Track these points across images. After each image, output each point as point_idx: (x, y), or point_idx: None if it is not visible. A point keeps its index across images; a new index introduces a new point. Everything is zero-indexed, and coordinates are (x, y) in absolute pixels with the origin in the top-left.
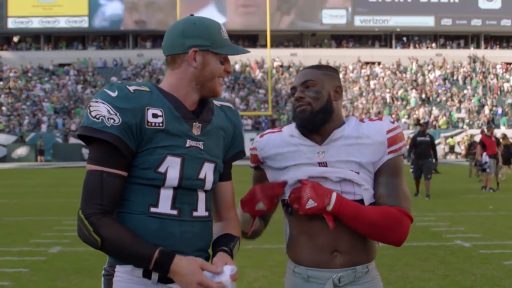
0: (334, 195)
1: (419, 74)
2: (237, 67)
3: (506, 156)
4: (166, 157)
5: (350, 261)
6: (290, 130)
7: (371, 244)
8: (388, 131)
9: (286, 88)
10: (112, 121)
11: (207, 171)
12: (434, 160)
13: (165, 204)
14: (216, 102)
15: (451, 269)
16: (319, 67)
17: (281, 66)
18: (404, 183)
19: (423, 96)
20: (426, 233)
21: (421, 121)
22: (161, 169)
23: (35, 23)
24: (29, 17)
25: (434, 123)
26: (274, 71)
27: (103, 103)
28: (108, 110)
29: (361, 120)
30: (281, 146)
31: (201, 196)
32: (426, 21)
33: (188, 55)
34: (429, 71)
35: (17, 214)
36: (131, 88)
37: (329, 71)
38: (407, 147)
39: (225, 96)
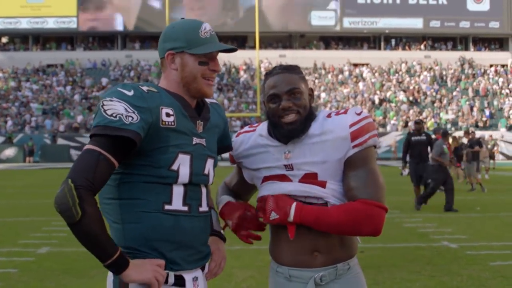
0: (293, 207)
1: (407, 76)
2: (226, 68)
3: (457, 157)
4: (178, 155)
5: (330, 260)
6: (261, 129)
7: (350, 241)
8: (352, 125)
9: None
10: (130, 118)
11: (210, 167)
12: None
13: (177, 201)
14: (206, 100)
15: (438, 270)
16: (292, 70)
17: (270, 67)
18: (374, 172)
19: (412, 98)
20: (413, 234)
21: (416, 120)
22: (174, 167)
23: (24, 24)
24: (18, 17)
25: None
26: (263, 72)
27: (119, 101)
28: (125, 108)
29: (329, 115)
30: (252, 147)
31: (204, 191)
32: (415, 23)
33: (166, 59)
34: (417, 72)
35: (6, 215)
36: (144, 88)
37: (301, 73)
38: (377, 138)
39: (214, 96)
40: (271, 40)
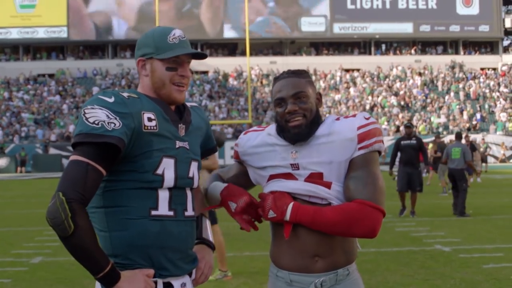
0: (290, 206)
1: (398, 81)
2: (217, 75)
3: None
4: (162, 159)
5: (331, 265)
6: (270, 129)
7: (350, 246)
8: (359, 127)
9: (266, 96)
10: (113, 125)
11: (194, 170)
12: (424, 169)
13: (163, 205)
14: (186, 104)
15: (431, 273)
16: (299, 74)
17: (261, 74)
18: (374, 175)
19: (403, 102)
20: (406, 238)
21: (406, 123)
22: (159, 171)
23: (14, 34)
24: (8, 27)
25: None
26: (254, 79)
27: (100, 108)
28: (107, 115)
29: (337, 119)
30: (259, 146)
31: (189, 195)
32: (405, 28)
33: (137, 65)
34: (408, 77)
35: None
36: (125, 94)
37: (309, 77)
38: (382, 144)
39: (206, 104)
40: (262, 47)
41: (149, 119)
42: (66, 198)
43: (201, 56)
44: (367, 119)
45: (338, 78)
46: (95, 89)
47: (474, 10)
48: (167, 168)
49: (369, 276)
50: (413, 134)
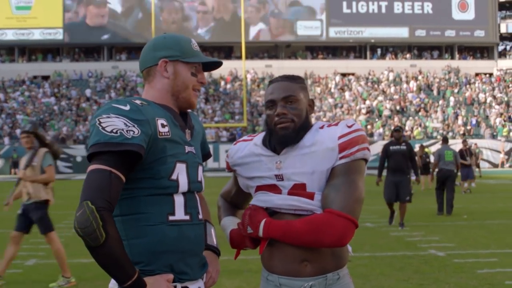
0: (262, 223)
1: (394, 85)
2: (212, 79)
3: (423, 165)
4: (176, 164)
5: (320, 269)
6: (258, 139)
7: (340, 251)
8: (340, 137)
9: (261, 99)
10: (132, 132)
11: (201, 174)
12: (414, 176)
13: (180, 210)
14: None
15: (425, 278)
16: (293, 79)
17: (256, 77)
18: (351, 184)
19: (398, 107)
20: (401, 243)
21: (395, 127)
22: (174, 176)
23: (9, 35)
24: (3, 29)
25: (409, 133)
26: (249, 83)
27: (117, 117)
28: (124, 123)
29: (321, 127)
30: (246, 156)
31: (198, 199)
32: (401, 32)
33: (159, 66)
34: (403, 81)
35: None
36: (137, 102)
37: (303, 83)
38: (368, 151)
39: (202, 107)
40: (257, 51)
41: (163, 125)
42: (96, 206)
43: (218, 65)
44: (349, 127)
45: (333, 82)
46: (88, 92)
47: (470, 15)
48: (180, 173)
49: (364, 280)
50: (403, 139)
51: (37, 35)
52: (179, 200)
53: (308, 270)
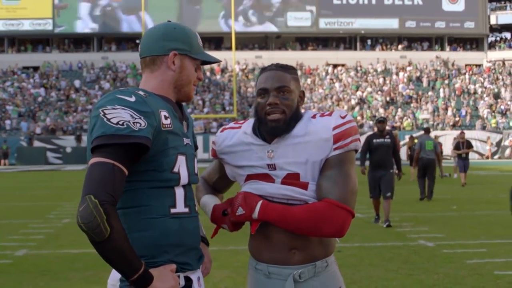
0: (259, 204)
1: (384, 76)
2: (202, 69)
3: (412, 156)
4: (177, 156)
5: (308, 257)
6: (247, 126)
7: (328, 239)
8: (335, 127)
9: (251, 90)
10: (138, 125)
11: (196, 166)
12: (396, 171)
13: (180, 203)
14: None
15: (414, 268)
16: (287, 69)
17: (246, 68)
18: (346, 175)
19: (388, 98)
20: (390, 233)
21: (378, 117)
22: (176, 169)
23: None
24: None
25: (399, 124)
26: (239, 74)
27: (123, 108)
28: (131, 115)
29: (313, 116)
30: (235, 145)
31: (193, 191)
32: (391, 23)
33: (168, 58)
34: (394, 73)
35: None
36: (141, 93)
37: (296, 73)
38: (359, 142)
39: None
40: (247, 41)
41: (165, 117)
42: (99, 200)
43: (209, 63)
44: (343, 117)
45: (323, 73)
46: (78, 82)
47: (460, 6)
48: (181, 166)
49: (353, 270)
50: (387, 131)
51: (26, 26)
52: (179, 192)
53: (297, 258)
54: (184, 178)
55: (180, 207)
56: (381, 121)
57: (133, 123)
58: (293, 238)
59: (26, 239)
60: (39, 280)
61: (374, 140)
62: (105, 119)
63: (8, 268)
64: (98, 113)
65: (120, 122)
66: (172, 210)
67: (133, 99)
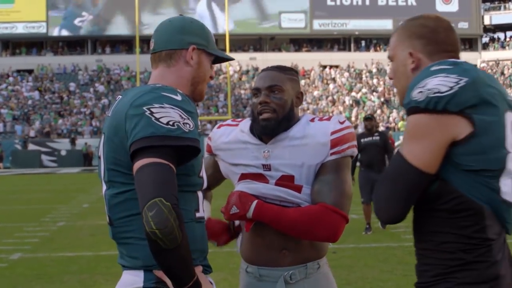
0: (254, 203)
1: (378, 77)
2: None
3: None
4: (202, 160)
5: (299, 258)
6: (244, 125)
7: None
8: (333, 132)
9: (246, 92)
10: (188, 126)
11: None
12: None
13: (201, 207)
14: None
15: (409, 269)
16: (283, 69)
17: (240, 70)
18: (342, 180)
19: (383, 98)
20: (385, 234)
21: (366, 115)
22: (202, 173)
23: None
24: None
25: (393, 125)
26: (233, 75)
27: (172, 108)
28: (180, 115)
29: (312, 120)
30: (232, 142)
31: None
32: (384, 24)
33: (188, 52)
34: (388, 73)
35: None
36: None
37: (293, 74)
38: (355, 149)
39: None
40: (241, 43)
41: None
42: (171, 203)
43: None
44: (341, 123)
45: (317, 74)
46: (72, 85)
47: (453, 7)
48: (202, 170)
49: (348, 271)
50: (375, 129)
51: (20, 29)
52: (200, 196)
53: (288, 259)
54: (205, 183)
55: (201, 211)
56: (369, 119)
57: (183, 124)
58: (284, 238)
59: (21, 242)
60: (34, 284)
61: (362, 140)
62: (153, 118)
63: (3, 272)
64: (143, 111)
65: (171, 123)
66: (197, 214)
67: (179, 97)
